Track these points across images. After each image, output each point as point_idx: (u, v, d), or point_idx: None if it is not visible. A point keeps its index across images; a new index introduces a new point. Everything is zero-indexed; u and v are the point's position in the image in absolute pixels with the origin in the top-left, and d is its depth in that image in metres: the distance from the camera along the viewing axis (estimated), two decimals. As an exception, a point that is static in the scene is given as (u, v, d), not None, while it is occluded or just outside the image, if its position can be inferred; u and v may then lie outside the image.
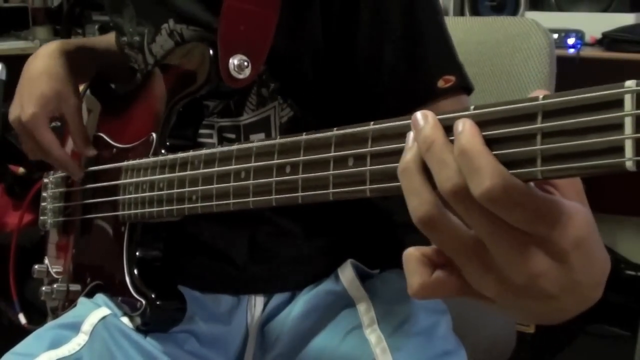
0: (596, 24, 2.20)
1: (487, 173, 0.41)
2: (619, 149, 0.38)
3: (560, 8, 2.36)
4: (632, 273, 2.55)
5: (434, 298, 0.46)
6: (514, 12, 2.32)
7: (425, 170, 0.44)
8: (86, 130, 0.96)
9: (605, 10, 2.29)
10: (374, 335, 0.81)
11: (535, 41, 1.13)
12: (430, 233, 0.45)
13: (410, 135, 0.45)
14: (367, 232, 0.91)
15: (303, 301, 0.87)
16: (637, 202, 2.45)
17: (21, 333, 0.89)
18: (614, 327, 2.25)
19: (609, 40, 2.16)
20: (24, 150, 0.97)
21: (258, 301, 0.90)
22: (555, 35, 2.09)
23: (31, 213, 1.16)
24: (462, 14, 2.43)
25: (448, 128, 0.44)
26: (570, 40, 2.17)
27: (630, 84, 0.38)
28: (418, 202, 0.44)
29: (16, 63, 1.75)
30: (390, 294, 0.86)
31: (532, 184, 0.42)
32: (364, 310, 0.84)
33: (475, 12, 2.39)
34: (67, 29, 2.59)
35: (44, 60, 0.96)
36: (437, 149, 0.43)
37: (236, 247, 0.89)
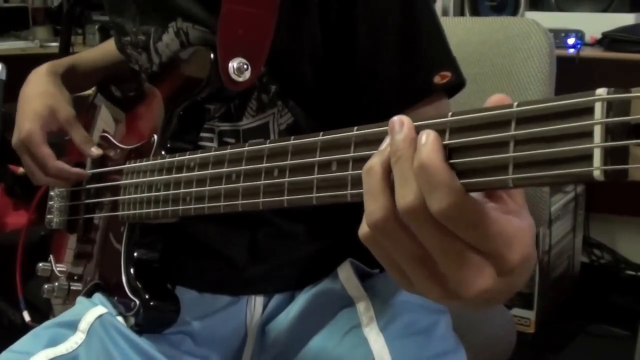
0: (596, 24, 2.20)
1: (445, 190, 0.41)
2: (588, 157, 0.38)
3: (560, 8, 2.36)
4: (632, 273, 2.55)
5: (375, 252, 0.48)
6: (514, 12, 2.32)
7: (390, 177, 0.45)
8: (87, 135, 0.97)
9: (605, 10, 2.29)
10: (373, 334, 0.81)
11: (535, 41, 1.13)
12: (381, 238, 0.45)
13: (387, 139, 0.46)
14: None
15: (302, 301, 0.87)
16: (637, 202, 2.45)
17: (21, 333, 0.89)
18: (614, 327, 2.25)
19: (609, 40, 2.16)
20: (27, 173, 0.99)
21: (258, 302, 0.90)
22: (555, 35, 2.09)
23: (33, 212, 1.17)
24: (462, 14, 2.43)
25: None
26: (570, 40, 2.18)
27: (600, 92, 0.38)
28: (375, 206, 0.45)
29: (16, 63, 1.76)
30: (390, 293, 0.86)
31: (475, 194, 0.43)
32: (363, 310, 0.84)
33: (475, 12, 2.39)
34: (67, 29, 2.59)
35: (35, 82, 1.00)
36: (403, 163, 0.44)
37: (236, 248, 0.89)
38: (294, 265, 0.89)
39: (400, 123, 0.45)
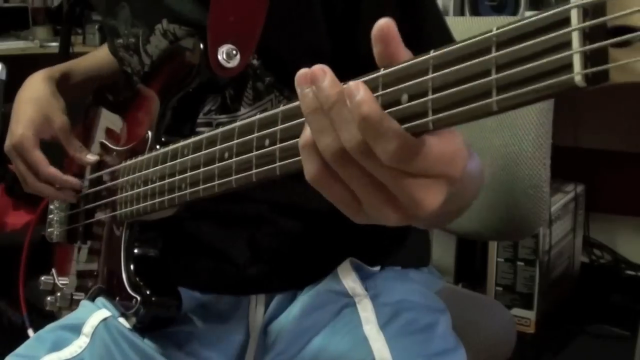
0: (596, 24, 2.20)
1: (388, 138, 0.45)
2: (568, 66, 0.38)
3: (560, 8, 2.36)
4: (632, 273, 2.55)
5: (326, 190, 0.50)
6: (514, 12, 2.31)
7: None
8: (80, 144, 0.97)
9: (605, 10, 2.28)
10: (373, 333, 0.81)
11: (535, 41, 1.13)
12: (339, 169, 0.48)
13: (305, 88, 0.49)
14: (367, 230, 0.91)
15: (303, 300, 0.87)
16: (637, 202, 2.45)
17: (21, 333, 0.89)
18: (614, 327, 2.24)
19: (609, 40, 2.15)
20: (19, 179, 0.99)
21: (260, 302, 0.90)
22: (555, 35, 2.09)
23: (31, 213, 1.16)
24: (462, 14, 2.42)
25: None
26: (570, 40, 2.17)
27: None
28: (329, 140, 0.48)
29: (16, 63, 1.76)
30: (390, 292, 0.87)
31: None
32: (364, 308, 0.84)
33: (475, 12, 2.39)
34: (67, 29, 2.59)
35: (31, 87, 1.00)
36: (339, 109, 0.47)
37: (236, 247, 0.89)
38: (295, 264, 0.89)
39: (323, 72, 0.48)
